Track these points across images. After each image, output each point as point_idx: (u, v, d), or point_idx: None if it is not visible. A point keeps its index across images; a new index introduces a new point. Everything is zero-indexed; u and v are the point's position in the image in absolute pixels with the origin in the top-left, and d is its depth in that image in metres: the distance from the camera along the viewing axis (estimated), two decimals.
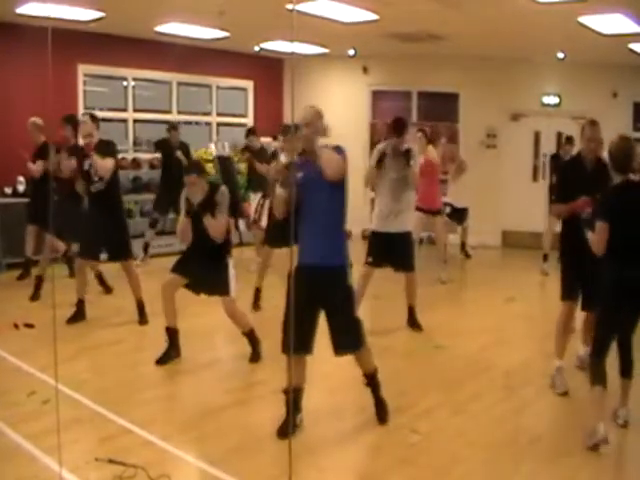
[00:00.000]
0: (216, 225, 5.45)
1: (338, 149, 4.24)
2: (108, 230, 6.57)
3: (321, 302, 4.32)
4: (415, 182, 6.54)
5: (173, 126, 10.03)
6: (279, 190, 4.38)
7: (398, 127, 6.38)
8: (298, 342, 4.21)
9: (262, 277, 7.43)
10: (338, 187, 4.23)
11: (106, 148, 6.51)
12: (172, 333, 5.65)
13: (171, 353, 5.64)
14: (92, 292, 7.57)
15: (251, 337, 5.80)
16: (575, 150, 8.90)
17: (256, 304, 7.34)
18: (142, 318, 6.73)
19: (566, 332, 5.18)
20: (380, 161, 6.32)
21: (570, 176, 5.11)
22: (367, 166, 6.67)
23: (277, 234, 7.35)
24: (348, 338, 4.38)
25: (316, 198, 4.22)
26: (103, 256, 7.05)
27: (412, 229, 6.72)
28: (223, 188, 5.60)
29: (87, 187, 6.63)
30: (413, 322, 6.77)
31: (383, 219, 6.47)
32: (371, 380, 4.60)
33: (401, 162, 6.33)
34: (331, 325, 4.34)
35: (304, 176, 4.25)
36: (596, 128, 4.94)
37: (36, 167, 7.72)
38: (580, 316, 5.34)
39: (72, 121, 7.39)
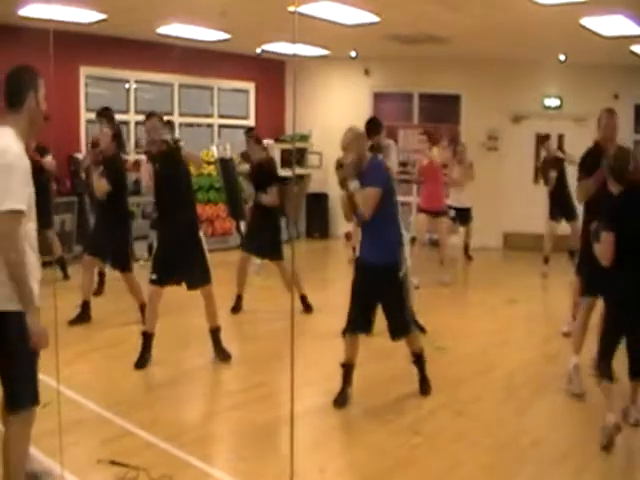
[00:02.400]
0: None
1: (376, 169, 4.85)
2: (113, 238, 6.64)
3: (379, 294, 4.86)
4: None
5: (169, 124, 9.89)
6: (342, 193, 4.89)
7: (371, 127, 6.59)
8: (362, 323, 4.87)
9: (242, 283, 7.43)
10: (384, 196, 4.74)
11: (113, 169, 6.57)
12: (149, 337, 5.70)
13: (147, 356, 5.67)
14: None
15: (216, 337, 5.83)
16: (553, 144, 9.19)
17: (235, 309, 7.37)
18: (145, 319, 6.72)
19: (585, 327, 5.19)
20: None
21: (593, 160, 5.05)
22: None
23: (249, 240, 7.40)
24: (402, 326, 4.97)
25: None
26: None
27: (415, 231, 6.77)
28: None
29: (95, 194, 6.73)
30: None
31: None
32: (418, 358, 5.14)
33: None
34: (388, 316, 4.91)
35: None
36: (613, 116, 5.09)
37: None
38: (597, 313, 5.30)
39: (106, 114, 7.25)
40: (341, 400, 4.87)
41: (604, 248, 4.20)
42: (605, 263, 4.24)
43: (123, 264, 6.79)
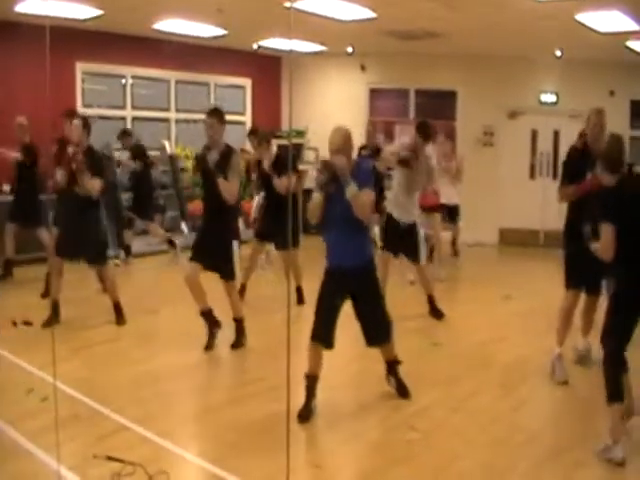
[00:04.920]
0: (229, 188, 5.63)
1: (366, 173, 4.62)
2: (84, 234, 6.44)
3: (353, 298, 4.71)
4: (432, 182, 7.09)
5: (125, 132, 9.73)
6: (316, 194, 4.61)
7: (427, 133, 6.81)
8: (325, 335, 4.61)
9: (248, 274, 7.55)
10: None
11: (96, 165, 6.41)
12: (207, 313, 5.94)
13: (214, 332, 5.96)
14: (90, 289, 7.58)
15: (239, 325, 6.04)
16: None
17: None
18: (119, 319, 6.66)
19: (569, 320, 5.28)
20: (406, 163, 6.74)
21: (578, 162, 5.07)
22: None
23: (265, 228, 7.44)
24: (380, 331, 4.84)
25: (346, 207, 4.48)
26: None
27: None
28: (238, 152, 5.88)
29: (69, 188, 6.48)
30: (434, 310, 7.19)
31: (398, 208, 6.89)
32: (391, 366, 4.99)
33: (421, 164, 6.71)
34: (364, 320, 4.76)
35: (335, 186, 4.53)
36: (601, 115, 5.04)
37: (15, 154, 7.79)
38: (578, 308, 5.37)
39: (72, 116, 7.32)
40: (305, 414, 4.56)
41: (606, 241, 3.98)
42: (607, 258, 4.03)
43: (96, 259, 6.69)
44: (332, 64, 12.86)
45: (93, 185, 6.36)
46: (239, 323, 6.07)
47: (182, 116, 12.12)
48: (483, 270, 10.22)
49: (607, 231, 3.97)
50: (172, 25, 9.76)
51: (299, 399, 4.54)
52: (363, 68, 12.78)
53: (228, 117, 12.95)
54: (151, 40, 10.78)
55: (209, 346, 5.91)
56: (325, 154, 4.85)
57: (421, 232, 7.06)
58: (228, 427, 4.52)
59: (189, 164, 11.47)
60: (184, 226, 10.83)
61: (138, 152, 9.49)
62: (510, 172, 12.12)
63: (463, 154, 10.25)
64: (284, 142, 12.39)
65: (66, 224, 6.66)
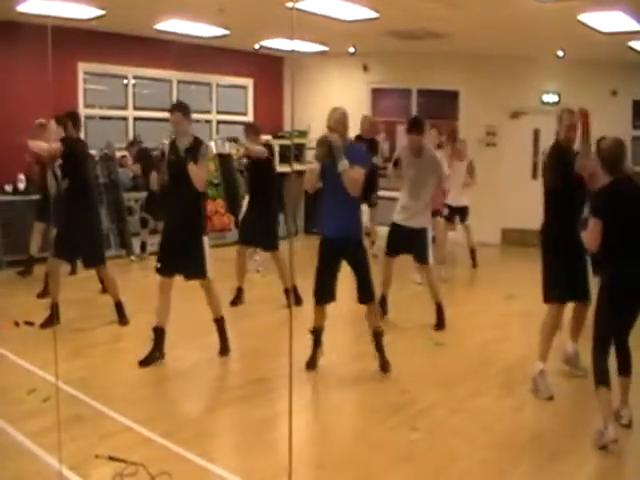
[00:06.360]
0: (199, 173, 5.47)
1: (359, 153, 5.28)
2: (80, 235, 6.37)
3: (350, 263, 5.29)
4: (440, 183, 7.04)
5: (134, 141, 10.09)
6: (315, 164, 5.12)
7: (413, 126, 6.62)
8: (325, 296, 5.29)
9: (241, 276, 7.50)
10: None
11: (73, 154, 6.39)
12: (159, 333, 5.60)
13: (155, 354, 5.57)
14: (92, 290, 7.59)
15: (220, 326, 5.83)
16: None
17: (235, 302, 7.38)
18: (122, 319, 6.65)
19: (552, 334, 5.14)
20: (396, 163, 6.64)
21: (560, 164, 4.95)
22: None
23: (245, 231, 7.42)
24: (367, 293, 5.31)
25: (338, 182, 5.03)
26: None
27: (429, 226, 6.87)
28: (207, 144, 5.79)
29: (57, 186, 6.51)
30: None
31: (402, 214, 6.76)
32: (376, 336, 5.37)
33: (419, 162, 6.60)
34: (359, 280, 5.28)
35: (330, 162, 5.04)
36: (573, 115, 4.96)
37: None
38: (567, 311, 5.33)
39: (72, 117, 7.32)
40: (313, 364, 5.34)
41: (592, 234, 4.21)
42: (592, 249, 4.27)
43: (94, 260, 6.65)
44: (334, 64, 12.86)
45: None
46: (220, 324, 5.83)
47: None
48: (485, 270, 10.20)
49: (595, 225, 4.21)
50: (174, 25, 9.76)
51: (300, 399, 4.54)
52: (365, 68, 12.78)
53: (230, 117, 13.11)
54: (153, 40, 10.79)
55: (144, 361, 5.48)
56: None
57: (430, 235, 6.86)
58: (230, 427, 4.53)
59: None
60: None
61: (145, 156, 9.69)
62: (512, 172, 12.09)
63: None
64: (286, 142, 12.42)
65: (63, 225, 6.59)
